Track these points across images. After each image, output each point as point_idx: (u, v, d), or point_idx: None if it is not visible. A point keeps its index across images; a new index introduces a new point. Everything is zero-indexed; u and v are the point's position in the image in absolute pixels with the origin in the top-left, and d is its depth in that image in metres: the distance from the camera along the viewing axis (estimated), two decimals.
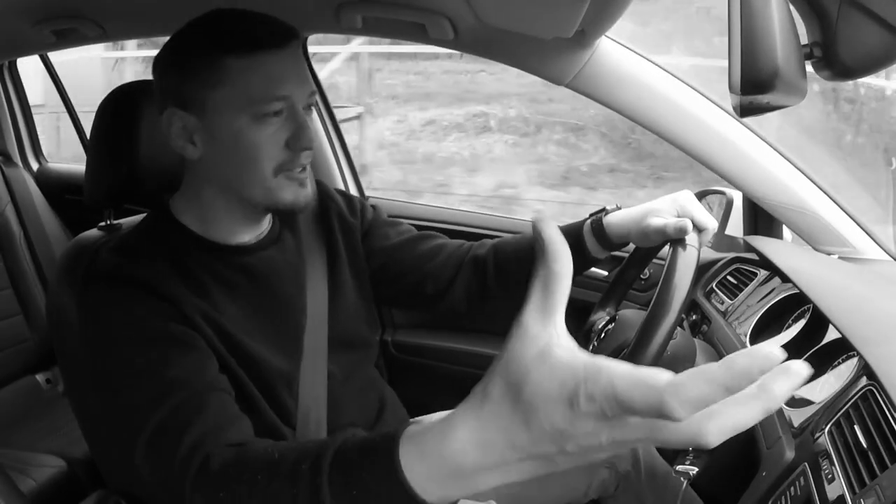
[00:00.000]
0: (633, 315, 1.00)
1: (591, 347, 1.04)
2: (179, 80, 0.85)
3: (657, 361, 0.81)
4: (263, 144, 0.84)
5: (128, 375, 0.79)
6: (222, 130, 0.84)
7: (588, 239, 1.01)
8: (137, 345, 0.79)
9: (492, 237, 1.53)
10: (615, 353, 0.93)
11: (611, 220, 0.99)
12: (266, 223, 0.99)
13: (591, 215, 1.02)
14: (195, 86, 0.83)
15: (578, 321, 1.19)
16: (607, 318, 1.10)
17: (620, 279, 1.13)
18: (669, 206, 0.95)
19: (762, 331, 1.13)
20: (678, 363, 0.94)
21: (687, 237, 0.89)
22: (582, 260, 1.02)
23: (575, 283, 1.40)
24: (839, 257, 1.23)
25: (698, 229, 0.92)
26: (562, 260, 0.47)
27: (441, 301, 1.10)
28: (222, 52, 0.81)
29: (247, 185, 0.87)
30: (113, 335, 0.81)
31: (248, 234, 0.96)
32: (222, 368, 0.86)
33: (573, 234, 1.01)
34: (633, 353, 0.81)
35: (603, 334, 1.01)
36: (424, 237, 1.12)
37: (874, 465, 0.67)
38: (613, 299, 1.14)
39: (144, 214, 0.99)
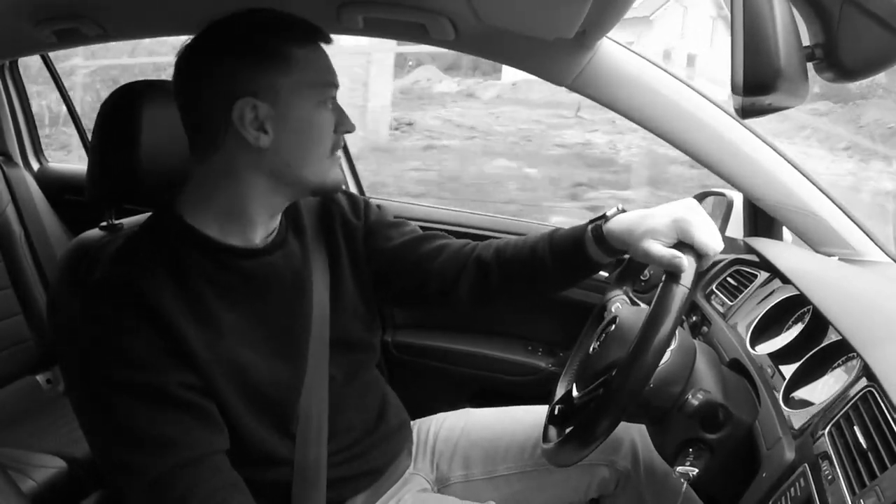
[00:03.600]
0: (632, 322, 1.00)
1: (591, 349, 1.04)
2: (253, 71, 0.87)
3: (637, 395, 0.83)
4: (325, 127, 0.92)
5: (126, 421, 0.83)
6: (294, 115, 0.89)
7: (589, 246, 0.99)
8: (140, 395, 0.83)
9: (488, 238, 1.54)
10: (607, 369, 0.94)
11: (611, 229, 0.95)
12: (276, 223, 1.00)
13: (592, 222, 0.99)
14: (268, 74, 0.87)
15: (579, 321, 1.19)
16: (623, 297, 1.11)
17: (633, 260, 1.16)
18: (670, 229, 0.89)
19: (762, 332, 1.13)
20: (668, 385, 0.94)
21: (682, 274, 0.86)
22: (585, 265, 1.01)
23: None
24: (839, 259, 1.23)
25: (697, 254, 0.88)
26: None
27: (444, 301, 1.11)
28: (290, 43, 0.88)
29: (308, 166, 0.92)
30: (109, 369, 0.83)
31: (261, 234, 0.97)
32: (220, 395, 0.88)
33: (576, 241, 1.00)
34: (617, 385, 0.83)
35: (604, 335, 1.01)
36: (427, 237, 1.12)
37: (874, 466, 0.67)
38: (629, 276, 1.18)
39: (147, 216, 0.99)
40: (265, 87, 0.87)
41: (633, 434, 1.14)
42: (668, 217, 0.90)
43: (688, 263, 0.87)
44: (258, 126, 0.88)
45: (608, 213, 0.98)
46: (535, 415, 1.18)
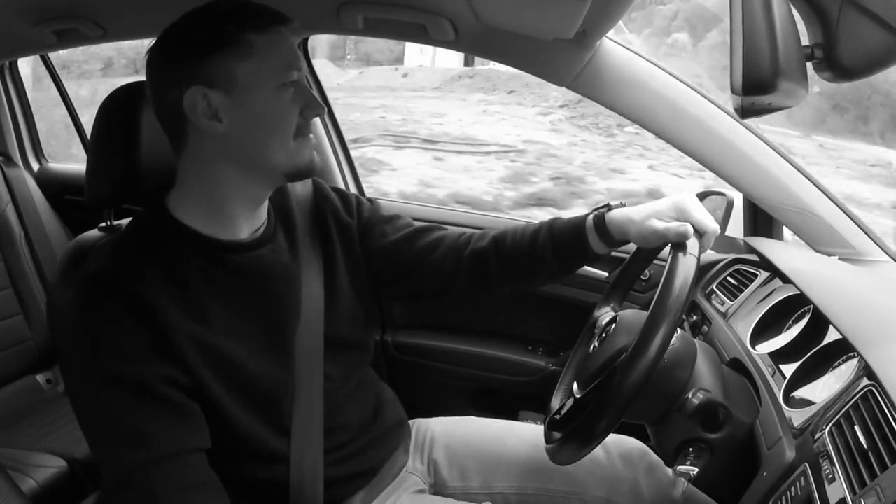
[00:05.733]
0: (633, 316, 1.00)
1: (591, 348, 1.04)
2: (205, 59, 0.87)
3: (656, 365, 0.82)
4: (287, 110, 0.91)
5: (106, 413, 0.84)
6: (250, 101, 0.89)
7: (590, 234, 1.01)
8: (121, 388, 0.83)
9: None
10: (615, 357, 0.93)
11: (613, 216, 0.99)
12: (262, 217, 1.00)
13: (594, 210, 1.02)
14: (223, 62, 0.87)
15: (579, 321, 1.19)
16: (612, 313, 1.10)
17: (624, 276, 1.15)
18: (670, 210, 0.95)
19: (763, 332, 1.13)
20: (678, 368, 0.94)
21: (688, 243, 0.89)
22: (583, 254, 1.03)
23: (575, 283, 1.40)
24: (839, 258, 1.23)
25: (699, 234, 0.91)
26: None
27: (444, 294, 1.11)
28: (246, 29, 0.88)
29: (272, 151, 0.92)
30: (93, 362, 0.84)
31: (247, 228, 0.97)
32: (208, 389, 0.88)
33: (576, 228, 1.02)
34: (632, 357, 0.82)
35: (604, 334, 1.01)
36: (423, 231, 1.12)
37: (874, 465, 0.67)
38: (617, 295, 1.15)
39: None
40: (220, 74, 0.87)
41: (638, 474, 1.11)
42: (667, 201, 0.96)
43: (692, 234, 0.90)
44: (211, 114, 0.88)
45: (612, 204, 1.02)
46: (537, 432, 1.15)
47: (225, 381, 0.89)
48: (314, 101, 0.94)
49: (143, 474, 0.82)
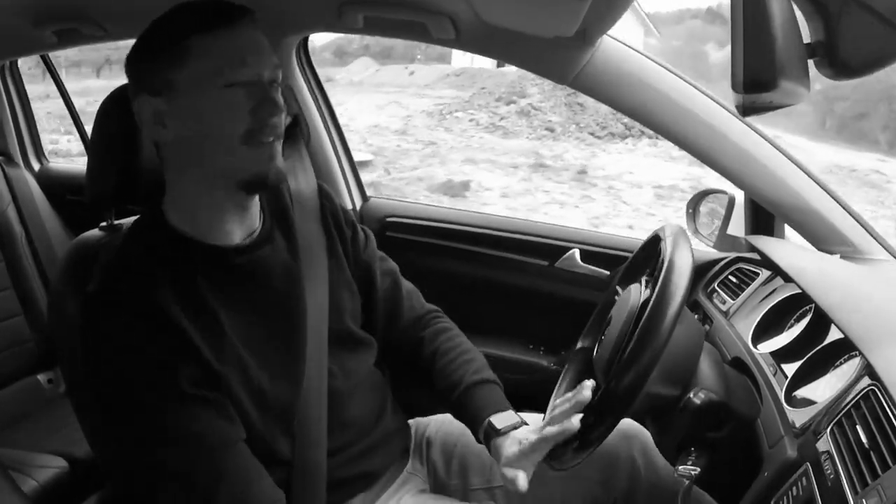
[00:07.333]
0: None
1: (598, 341, 1.04)
2: (147, 68, 0.88)
3: (677, 314, 0.82)
4: (225, 112, 0.86)
5: (140, 422, 0.86)
6: (189, 107, 0.86)
7: (480, 432, 1.03)
8: (149, 392, 0.85)
9: (488, 236, 1.53)
10: (618, 345, 0.93)
11: (497, 441, 1.00)
12: (257, 220, 0.99)
13: (493, 425, 1.02)
14: (162, 69, 0.86)
15: (581, 320, 1.19)
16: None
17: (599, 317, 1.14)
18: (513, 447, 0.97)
19: (764, 331, 1.13)
20: (682, 358, 0.94)
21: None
22: (473, 431, 1.07)
23: (576, 282, 1.39)
24: (841, 257, 1.23)
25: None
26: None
27: (379, 342, 1.15)
28: (184, 34, 0.85)
29: (215, 157, 0.88)
30: (122, 377, 0.85)
31: (240, 232, 0.96)
32: (230, 391, 0.89)
33: (475, 417, 1.05)
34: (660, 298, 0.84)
35: (597, 345, 1.01)
36: (399, 286, 1.17)
37: (876, 465, 0.67)
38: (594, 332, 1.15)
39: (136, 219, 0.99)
40: (160, 82, 0.86)
41: (635, 453, 1.10)
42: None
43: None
44: (159, 121, 0.88)
45: (504, 430, 1.01)
46: (532, 421, 1.15)
47: (244, 387, 0.90)
48: (268, 102, 0.86)
49: (197, 469, 0.85)
